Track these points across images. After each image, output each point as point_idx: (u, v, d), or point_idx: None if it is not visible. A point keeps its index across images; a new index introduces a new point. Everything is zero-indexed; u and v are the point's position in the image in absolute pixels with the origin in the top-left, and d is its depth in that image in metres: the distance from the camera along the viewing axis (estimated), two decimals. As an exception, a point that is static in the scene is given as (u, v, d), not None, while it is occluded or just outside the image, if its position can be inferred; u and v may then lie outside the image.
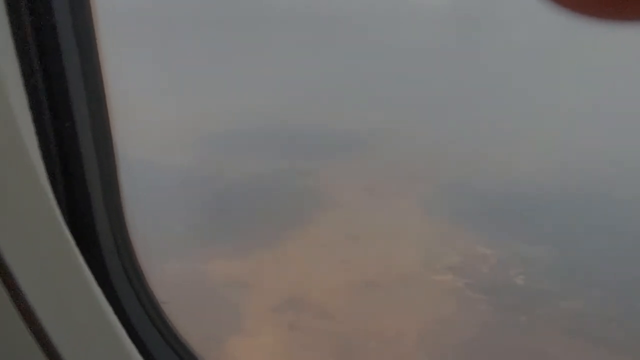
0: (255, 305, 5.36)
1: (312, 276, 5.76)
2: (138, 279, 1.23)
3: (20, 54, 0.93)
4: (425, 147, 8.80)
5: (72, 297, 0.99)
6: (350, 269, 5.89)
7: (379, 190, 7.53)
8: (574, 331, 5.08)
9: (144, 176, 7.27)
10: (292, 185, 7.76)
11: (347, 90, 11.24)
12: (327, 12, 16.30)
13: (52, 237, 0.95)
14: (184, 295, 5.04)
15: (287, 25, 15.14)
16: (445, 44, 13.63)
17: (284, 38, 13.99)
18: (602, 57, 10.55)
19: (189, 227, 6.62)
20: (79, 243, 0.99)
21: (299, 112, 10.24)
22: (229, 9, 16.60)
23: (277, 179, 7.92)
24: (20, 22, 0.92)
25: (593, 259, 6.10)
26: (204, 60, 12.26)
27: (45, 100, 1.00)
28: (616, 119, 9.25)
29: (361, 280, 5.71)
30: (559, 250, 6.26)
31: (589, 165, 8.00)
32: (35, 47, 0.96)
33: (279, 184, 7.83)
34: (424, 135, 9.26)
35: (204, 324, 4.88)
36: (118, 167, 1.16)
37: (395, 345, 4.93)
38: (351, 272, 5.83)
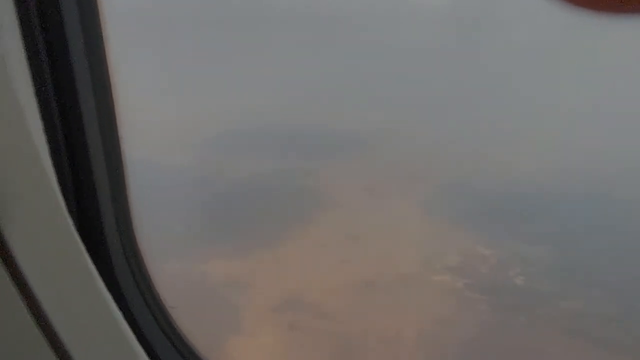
0: (255, 305, 5.36)
1: (312, 276, 5.76)
2: (145, 281, 1.25)
3: (30, 58, 0.95)
4: (425, 147, 8.79)
5: (81, 299, 1.02)
6: (350, 269, 5.89)
7: (379, 190, 7.53)
8: (574, 331, 5.08)
9: (144, 176, 7.25)
10: (292, 185, 7.76)
11: (347, 90, 11.23)
12: (327, 12, 16.27)
13: (62, 241, 0.98)
14: (184, 296, 5.04)
15: (287, 25, 15.13)
16: (445, 44, 13.60)
17: (284, 38, 13.97)
18: (602, 57, 10.54)
19: (189, 227, 6.62)
20: (87, 246, 1.02)
21: (299, 112, 10.24)
22: (229, 9, 16.58)
23: (277, 179, 7.92)
24: (29, 24, 0.94)
25: (593, 259, 6.10)
26: (204, 60, 12.25)
27: (56, 108, 1.03)
28: (616, 119, 9.23)
29: (361, 280, 5.71)
30: (559, 250, 6.26)
31: (589, 165, 8.00)
32: (44, 49, 0.98)
33: (279, 184, 7.83)
34: (424, 135, 9.26)
35: (204, 324, 4.87)
36: (126, 173, 1.19)
37: (395, 345, 4.93)
38: (351, 272, 5.83)
